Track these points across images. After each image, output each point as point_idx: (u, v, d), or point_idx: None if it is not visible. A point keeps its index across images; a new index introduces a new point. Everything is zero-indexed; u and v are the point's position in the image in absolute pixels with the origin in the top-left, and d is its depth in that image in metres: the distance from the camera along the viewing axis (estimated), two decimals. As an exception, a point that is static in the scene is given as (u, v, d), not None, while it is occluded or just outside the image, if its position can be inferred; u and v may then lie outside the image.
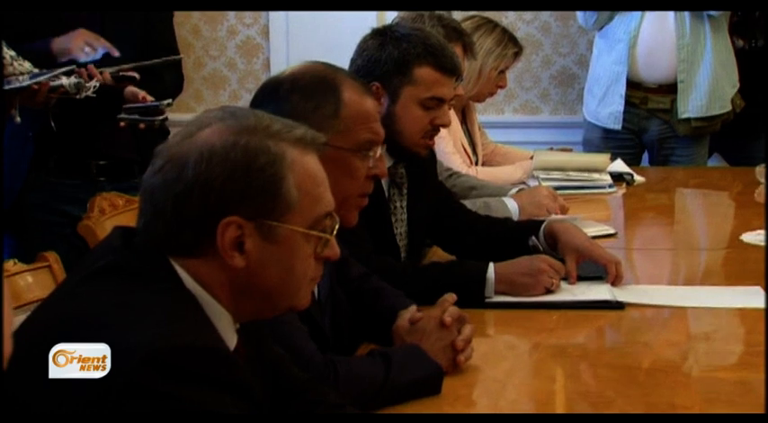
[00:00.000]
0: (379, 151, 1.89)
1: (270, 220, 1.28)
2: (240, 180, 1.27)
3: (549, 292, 2.22)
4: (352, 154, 1.83)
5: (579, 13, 4.23)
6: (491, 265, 2.22)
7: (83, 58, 2.89)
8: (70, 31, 2.93)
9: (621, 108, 4.11)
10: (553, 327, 2.10)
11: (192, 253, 1.28)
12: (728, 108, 4.11)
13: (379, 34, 2.35)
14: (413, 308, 1.91)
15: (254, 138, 1.29)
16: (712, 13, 4.00)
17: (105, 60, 2.94)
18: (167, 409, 1.14)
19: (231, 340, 1.32)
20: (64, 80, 2.71)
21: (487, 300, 2.20)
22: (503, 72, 3.52)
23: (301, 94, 1.81)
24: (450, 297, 1.88)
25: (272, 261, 1.30)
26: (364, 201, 1.90)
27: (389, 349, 1.79)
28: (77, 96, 2.74)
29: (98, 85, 2.78)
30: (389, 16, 4.44)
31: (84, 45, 2.88)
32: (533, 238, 2.40)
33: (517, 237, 2.45)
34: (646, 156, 4.35)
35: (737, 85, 4.15)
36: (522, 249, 2.39)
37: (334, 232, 1.36)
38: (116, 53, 2.90)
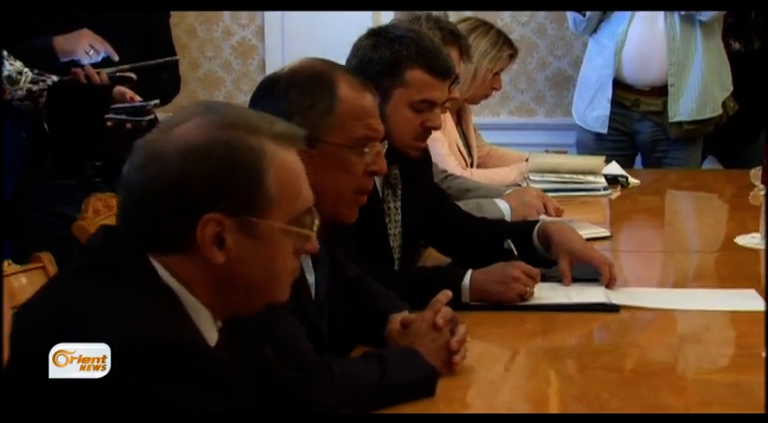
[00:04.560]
0: (379, 147, 1.88)
1: (250, 217, 1.28)
2: (220, 176, 1.26)
3: (522, 299, 2.20)
4: (347, 150, 1.82)
5: (570, 19, 4.23)
6: (469, 272, 2.21)
7: (85, 60, 2.91)
8: (73, 31, 2.94)
9: (608, 112, 4.12)
10: (547, 329, 2.11)
11: (172, 249, 1.27)
12: (719, 111, 4.12)
13: (373, 35, 2.35)
14: (404, 311, 1.91)
15: (234, 133, 1.28)
16: (703, 18, 4.01)
17: (103, 60, 2.95)
18: (133, 402, 1.14)
19: (211, 338, 1.31)
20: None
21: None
22: (497, 74, 3.53)
23: (297, 90, 1.81)
24: (444, 296, 1.88)
25: (252, 257, 1.29)
26: (363, 198, 1.89)
27: (384, 351, 1.79)
28: (15, 90, 2.78)
29: (31, 75, 2.81)
30: (385, 17, 4.45)
31: (89, 47, 2.89)
32: (508, 241, 2.38)
33: (512, 238, 2.45)
34: (639, 158, 4.36)
35: (731, 88, 4.15)
36: (518, 251, 2.39)
37: (315, 228, 1.35)
38: (116, 58, 2.93)
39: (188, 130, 1.28)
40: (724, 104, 4.14)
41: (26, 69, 2.88)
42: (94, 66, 2.90)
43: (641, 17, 4.04)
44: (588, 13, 4.06)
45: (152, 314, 1.21)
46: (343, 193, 1.83)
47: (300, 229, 1.32)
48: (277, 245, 1.31)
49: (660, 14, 4.03)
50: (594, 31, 4.18)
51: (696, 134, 4.16)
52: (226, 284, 1.29)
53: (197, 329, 1.27)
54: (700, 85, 4.05)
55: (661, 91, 4.09)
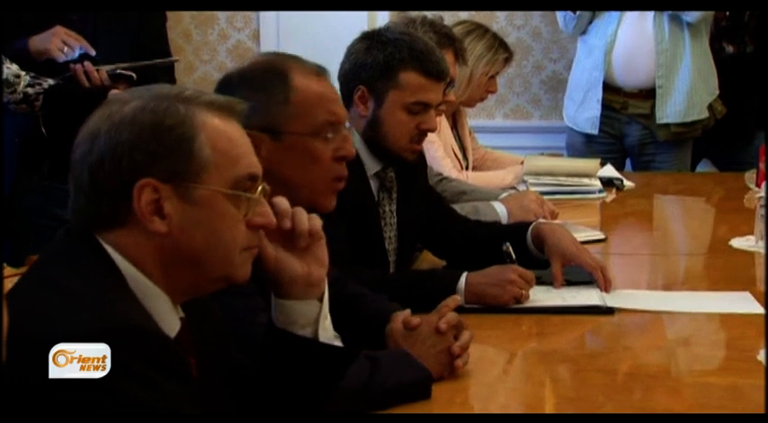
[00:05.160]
0: (344, 132, 1.85)
1: (185, 182, 1.27)
2: (148, 141, 1.26)
3: (517, 302, 2.20)
4: (311, 138, 1.80)
5: (560, 19, 4.25)
6: (464, 275, 2.21)
7: (61, 59, 2.88)
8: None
9: (598, 113, 4.14)
10: (543, 332, 2.11)
11: (115, 224, 1.27)
12: (706, 114, 4.14)
13: (366, 38, 2.35)
14: (407, 311, 1.91)
15: (161, 102, 1.29)
16: (689, 18, 4.02)
17: (103, 60, 2.94)
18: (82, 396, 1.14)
19: (171, 324, 1.30)
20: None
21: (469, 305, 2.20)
22: (493, 77, 3.53)
23: (250, 85, 1.78)
24: (452, 301, 1.87)
25: (195, 224, 1.28)
26: (340, 184, 1.86)
27: (378, 352, 1.79)
28: (10, 94, 2.78)
29: (29, 79, 2.80)
30: (381, 18, 4.46)
31: (62, 45, 2.87)
32: (507, 244, 2.38)
33: (506, 240, 2.44)
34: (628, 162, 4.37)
35: (717, 92, 4.18)
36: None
37: (258, 194, 1.33)
38: (93, 52, 2.90)
39: (123, 109, 1.29)
40: (711, 108, 4.16)
41: (23, 73, 2.88)
42: (93, 63, 2.90)
43: (630, 18, 4.06)
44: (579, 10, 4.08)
45: (104, 304, 1.21)
46: (315, 183, 1.81)
47: (242, 193, 1.31)
48: (219, 211, 1.29)
49: (649, 16, 4.05)
50: (584, 32, 4.19)
51: (684, 137, 4.18)
52: (173, 256, 1.28)
53: (150, 315, 1.26)
54: (687, 87, 4.08)
55: (649, 94, 4.11)
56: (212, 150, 1.28)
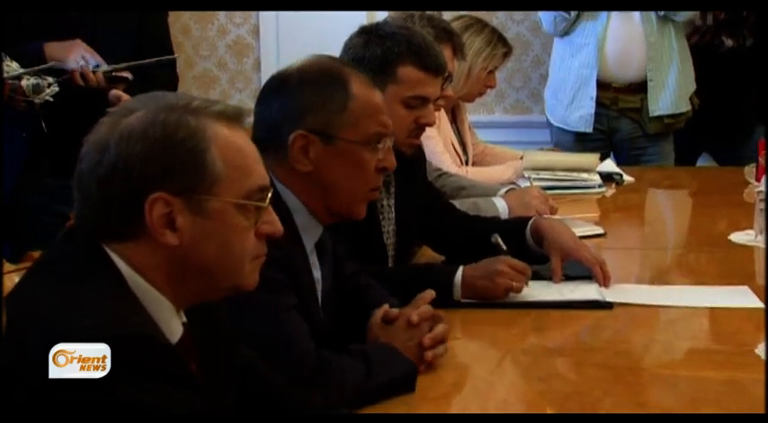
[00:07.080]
0: (389, 143, 1.88)
1: (197, 194, 1.27)
2: (160, 155, 1.26)
3: (509, 294, 2.19)
4: (362, 147, 1.82)
5: (546, 21, 4.23)
6: (460, 269, 2.21)
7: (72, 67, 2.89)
8: (66, 38, 2.93)
9: (592, 110, 4.14)
10: (541, 326, 2.11)
11: (124, 236, 1.27)
12: (690, 106, 4.16)
13: (364, 32, 2.35)
14: (385, 305, 1.91)
15: (172, 114, 1.28)
16: (678, 19, 4.05)
17: (103, 58, 2.94)
18: (91, 401, 1.14)
19: (173, 330, 1.30)
20: (23, 81, 2.74)
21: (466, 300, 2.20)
22: (492, 72, 3.53)
23: (309, 87, 1.80)
24: (428, 295, 1.89)
25: (206, 236, 1.28)
26: (375, 194, 1.90)
27: (366, 347, 1.79)
28: (36, 99, 2.76)
29: (57, 89, 2.80)
30: (380, 16, 4.44)
31: (80, 58, 2.89)
32: (495, 235, 2.38)
33: (505, 235, 2.45)
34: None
35: (694, 84, 4.20)
36: (511, 248, 2.39)
37: (267, 204, 1.33)
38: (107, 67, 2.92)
39: (130, 119, 1.28)
40: (690, 100, 4.18)
41: (23, 70, 2.87)
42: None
43: (618, 14, 4.06)
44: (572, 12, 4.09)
45: (104, 311, 1.20)
46: (357, 190, 1.84)
47: (254, 202, 1.31)
48: (231, 222, 1.29)
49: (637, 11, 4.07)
50: (567, 32, 4.19)
51: (672, 129, 4.21)
52: (183, 268, 1.28)
53: (153, 322, 1.26)
54: (675, 78, 4.11)
55: (638, 87, 4.13)
56: (224, 163, 1.28)
